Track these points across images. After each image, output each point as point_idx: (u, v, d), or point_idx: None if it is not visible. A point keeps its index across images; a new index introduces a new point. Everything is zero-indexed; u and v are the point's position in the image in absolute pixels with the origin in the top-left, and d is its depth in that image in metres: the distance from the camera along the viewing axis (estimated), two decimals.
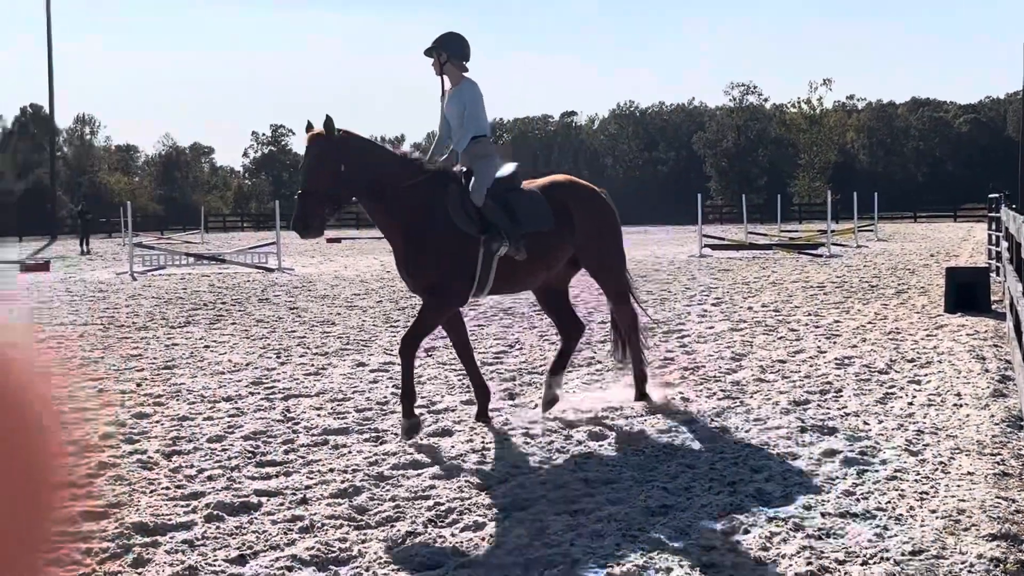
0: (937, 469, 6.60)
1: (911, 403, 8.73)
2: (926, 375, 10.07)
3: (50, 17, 69.67)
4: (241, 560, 5.14)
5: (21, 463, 1.00)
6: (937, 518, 5.55)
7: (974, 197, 76.65)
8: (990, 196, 26.78)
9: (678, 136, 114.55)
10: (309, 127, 7.79)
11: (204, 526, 5.68)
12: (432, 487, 6.46)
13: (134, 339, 14.12)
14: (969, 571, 4.77)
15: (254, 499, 6.19)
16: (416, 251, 7.91)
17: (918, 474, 6.48)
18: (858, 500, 5.95)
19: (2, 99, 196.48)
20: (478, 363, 8.76)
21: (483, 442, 7.61)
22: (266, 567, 5.04)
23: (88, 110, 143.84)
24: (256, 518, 5.85)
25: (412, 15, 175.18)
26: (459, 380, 10.30)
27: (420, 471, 6.87)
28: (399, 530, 5.55)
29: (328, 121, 7.68)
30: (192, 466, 7.04)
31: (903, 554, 5.01)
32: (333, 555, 5.19)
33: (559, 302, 9.09)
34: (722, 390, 9.49)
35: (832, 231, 35.09)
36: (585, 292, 16.36)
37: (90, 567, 5.06)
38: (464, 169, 8.25)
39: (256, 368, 11.34)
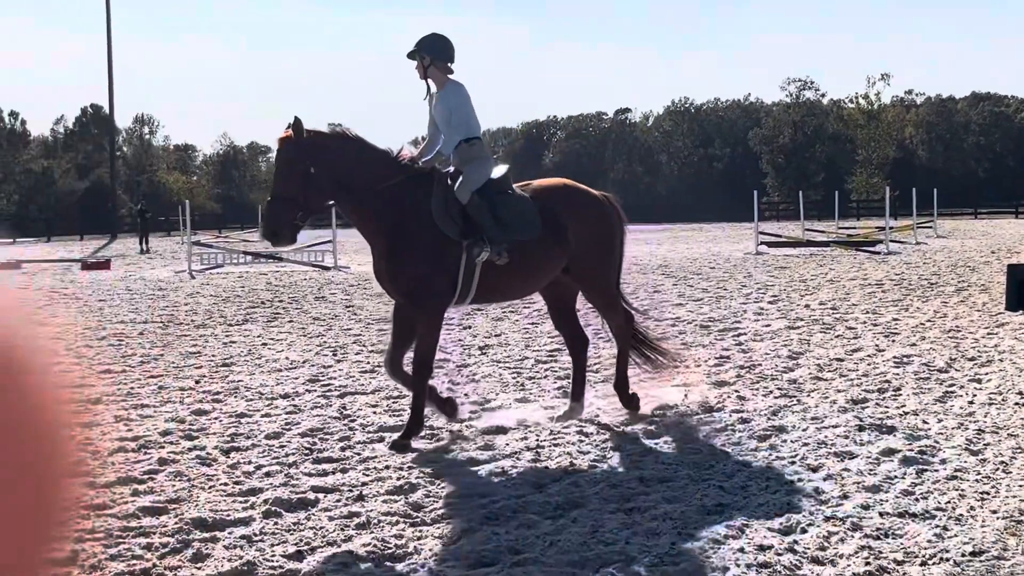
0: (998, 469, 6.50)
1: (971, 402, 8.61)
2: (987, 373, 9.92)
3: (110, 17, 70.68)
4: (298, 556, 5.19)
5: (16, 458, 1.01)
6: (998, 519, 5.47)
7: None
8: None
9: (734, 132, 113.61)
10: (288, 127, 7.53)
11: (262, 522, 5.74)
12: (487, 484, 6.48)
13: (193, 337, 14.30)
14: None
15: (311, 495, 6.25)
16: (396, 254, 7.64)
17: (978, 474, 6.40)
18: (917, 500, 5.89)
19: (64, 99, 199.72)
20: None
21: (538, 440, 7.61)
22: (323, 563, 5.08)
23: (146, 110, 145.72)
24: (313, 514, 5.90)
25: (469, 13, 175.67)
26: (513, 378, 10.32)
27: (475, 468, 6.89)
28: (454, 527, 5.58)
29: (296, 122, 7.45)
30: (250, 462, 7.11)
31: (963, 555, 4.94)
32: (389, 551, 5.22)
33: (571, 319, 8.77)
34: (779, 388, 9.42)
35: (891, 228, 34.68)
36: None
37: (150, 562, 5.13)
38: (452, 170, 7.96)
39: (313, 365, 11.44)
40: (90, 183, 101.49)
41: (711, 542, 5.23)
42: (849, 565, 4.86)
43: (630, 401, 8.59)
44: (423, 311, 7.76)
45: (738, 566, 4.90)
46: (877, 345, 12.00)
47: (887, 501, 5.87)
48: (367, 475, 6.73)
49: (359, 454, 7.33)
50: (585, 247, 8.27)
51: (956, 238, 40.87)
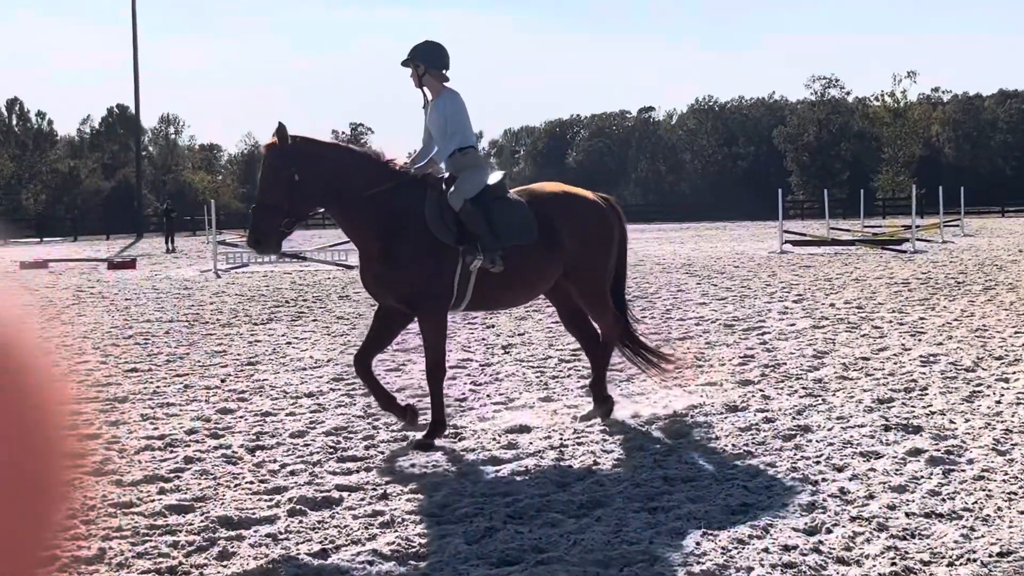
0: None
1: (999, 401, 8.55)
2: (1014, 373, 9.85)
3: (135, 18, 71.01)
4: (323, 554, 5.21)
5: (15, 458, 1.01)
6: None
7: None
8: None
9: (758, 131, 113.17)
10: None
11: (287, 520, 5.77)
12: (511, 483, 6.48)
13: (218, 335, 14.37)
14: None
15: (336, 494, 6.27)
16: (393, 259, 7.54)
17: (1006, 474, 6.35)
18: (944, 500, 5.85)
19: (91, 99, 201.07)
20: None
21: (562, 439, 7.61)
22: (347, 560, 5.10)
23: (172, 110, 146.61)
24: (338, 512, 5.92)
25: (503, 11, 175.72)
26: (536, 377, 10.32)
27: (499, 467, 6.89)
28: (478, 526, 5.58)
29: (280, 128, 7.36)
30: (275, 461, 7.14)
31: (990, 555, 4.91)
32: (413, 550, 5.24)
33: (582, 320, 8.67)
34: (804, 388, 9.38)
35: (917, 226, 34.47)
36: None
37: (176, 560, 5.16)
38: (447, 175, 7.90)
39: (337, 364, 11.48)
40: (116, 183, 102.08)
41: (735, 542, 5.22)
42: (875, 566, 4.83)
43: (604, 403, 8.41)
44: (424, 314, 7.71)
45: (763, 566, 4.88)
46: (903, 344, 11.93)
47: (913, 501, 5.83)
48: (391, 474, 6.75)
49: (383, 453, 7.35)
50: (581, 251, 8.19)
51: (983, 236, 40.59)
